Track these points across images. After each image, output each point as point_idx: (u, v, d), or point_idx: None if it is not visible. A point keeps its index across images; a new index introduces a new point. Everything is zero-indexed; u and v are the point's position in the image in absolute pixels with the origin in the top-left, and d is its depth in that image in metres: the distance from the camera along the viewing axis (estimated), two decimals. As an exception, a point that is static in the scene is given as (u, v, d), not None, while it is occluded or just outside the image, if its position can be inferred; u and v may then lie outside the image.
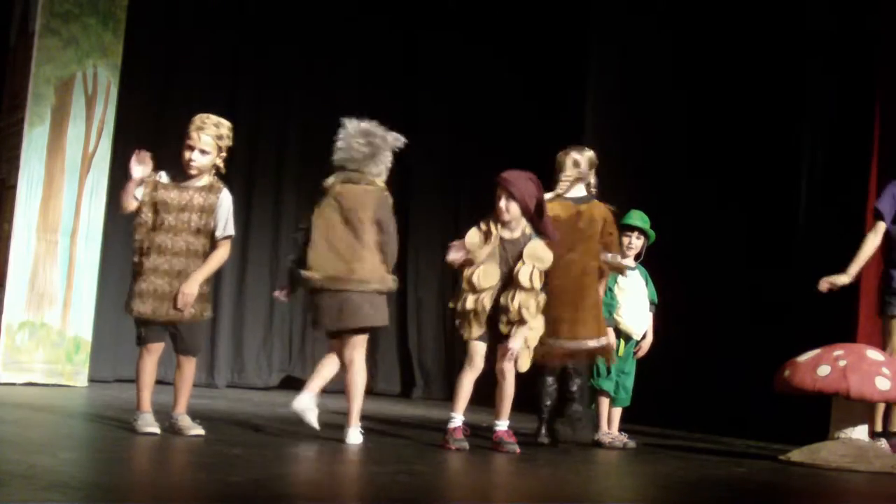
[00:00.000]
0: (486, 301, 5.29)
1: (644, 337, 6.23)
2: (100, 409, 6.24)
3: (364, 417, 5.63)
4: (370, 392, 9.87)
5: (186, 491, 3.46)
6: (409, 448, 5.27)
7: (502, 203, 5.33)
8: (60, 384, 7.68)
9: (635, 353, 6.21)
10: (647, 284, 6.28)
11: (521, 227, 5.39)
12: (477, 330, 5.31)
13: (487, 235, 5.35)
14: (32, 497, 3.03)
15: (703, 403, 7.78)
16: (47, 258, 7.76)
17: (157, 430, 4.92)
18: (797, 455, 5.65)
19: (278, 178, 9.61)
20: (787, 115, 7.95)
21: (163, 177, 5.11)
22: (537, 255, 5.33)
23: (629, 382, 6.19)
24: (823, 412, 5.84)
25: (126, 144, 8.44)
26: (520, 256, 5.31)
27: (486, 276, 5.29)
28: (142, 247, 5.01)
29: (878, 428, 6.02)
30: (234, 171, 9.34)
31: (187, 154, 5.03)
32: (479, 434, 5.61)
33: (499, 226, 5.36)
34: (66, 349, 7.81)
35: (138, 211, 5.03)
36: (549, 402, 5.91)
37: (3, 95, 8.22)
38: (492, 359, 5.36)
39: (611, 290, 6.12)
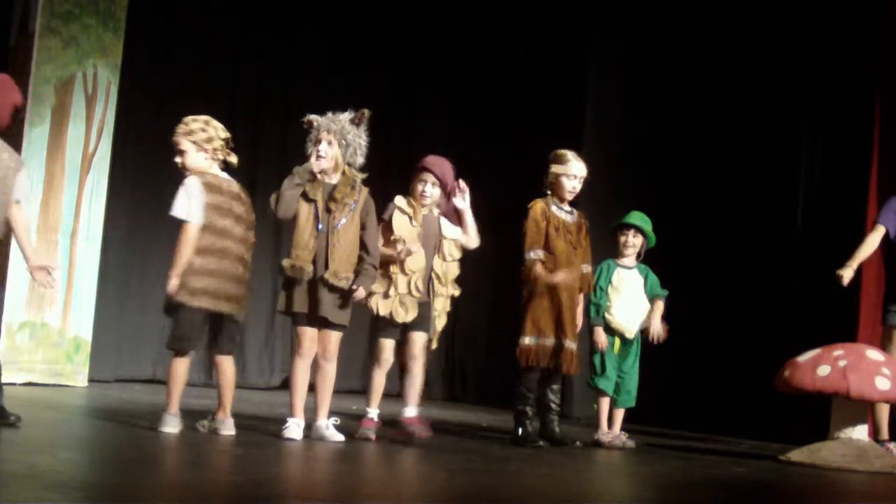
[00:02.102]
0: (420, 284, 5.54)
1: (650, 326, 6.22)
2: (100, 409, 6.24)
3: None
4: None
5: (186, 491, 3.46)
6: (408, 448, 5.26)
7: (428, 188, 5.63)
8: (60, 384, 7.68)
9: (651, 336, 6.21)
10: (646, 282, 6.28)
11: (433, 205, 5.71)
12: (412, 312, 5.52)
13: (412, 217, 5.61)
14: (32, 497, 3.03)
15: (703, 403, 7.78)
16: (47, 258, 7.75)
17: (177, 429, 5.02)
18: (797, 455, 5.65)
19: (279, 179, 9.58)
20: (787, 115, 7.94)
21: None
22: (455, 232, 5.72)
23: (631, 383, 6.19)
24: (823, 412, 5.84)
25: (126, 144, 8.47)
26: (438, 232, 5.66)
27: (415, 259, 5.53)
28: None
29: (884, 436, 6.02)
30: (235, 172, 9.35)
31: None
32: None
33: (419, 207, 5.65)
34: (66, 349, 7.80)
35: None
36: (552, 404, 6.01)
37: (4, 95, 8.21)
38: (400, 350, 5.65)
39: (602, 288, 6.16)
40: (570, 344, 5.88)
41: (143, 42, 8.54)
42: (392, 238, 5.52)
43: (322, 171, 5.31)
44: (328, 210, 5.26)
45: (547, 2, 9.70)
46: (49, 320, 7.74)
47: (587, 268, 6.03)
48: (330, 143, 5.30)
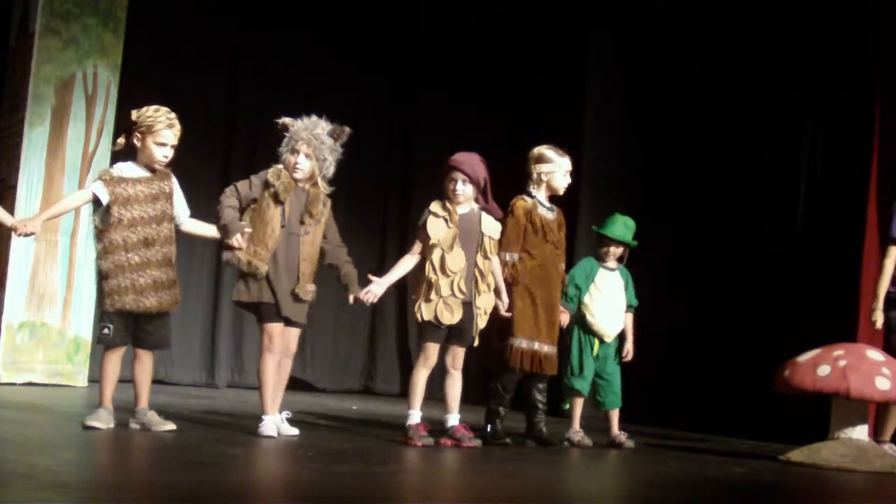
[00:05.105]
0: (462, 284, 5.44)
1: (624, 339, 6.21)
2: (100, 409, 6.22)
3: (364, 417, 5.64)
4: (370, 392, 9.94)
5: (186, 491, 3.46)
6: (408, 448, 5.26)
7: (458, 186, 5.51)
8: (60, 384, 7.68)
9: (624, 357, 6.20)
10: (626, 287, 6.25)
11: (470, 202, 5.59)
12: (458, 313, 5.42)
13: (447, 218, 5.50)
14: (32, 497, 3.03)
15: (703, 403, 7.78)
16: (47, 258, 7.76)
17: (104, 425, 4.98)
18: (797, 455, 5.64)
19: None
20: (786, 114, 7.94)
21: (124, 170, 5.16)
22: (492, 228, 5.59)
23: (616, 384, 6.16)
24: (823, 412, 5.84)
25: (126, 144, 8.47)
26: (479, 229, 5.54)
27: (454, 260, 5.44)
28: (125, 243, 5.04)
29: (886, 437, 6.01)
30: (235, 171, 9.37)
31: (162, 151, 5.15)
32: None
33: (455, 207, 5.53)
34: (66, 349, 7.81)
35: (108, 210, 5.07)
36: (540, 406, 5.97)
37: (3, 95, 8.22)
38: (440, 354, 5.56)
39: (578, 287, 6.12)
40: (552, 348, 5.85)
41: (143, 42, 8.54)
42: (430, 243, 5.45)
43: (297, 181, 5.35)
44: (301, 222, 5.31)
45: (547, 2, 9.70)
46: (49, 320, 7.75)
47: (562, 266, 5.99)
48: (308, 156, 5.34)
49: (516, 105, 9.76)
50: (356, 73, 9.77)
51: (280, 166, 5.35)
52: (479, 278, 5.52)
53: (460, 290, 5.42)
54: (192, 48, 9.17)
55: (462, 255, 5.46)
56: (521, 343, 5.75)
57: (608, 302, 6.14)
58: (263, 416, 5.23)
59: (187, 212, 5.36)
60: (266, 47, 9.56)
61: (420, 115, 10.29)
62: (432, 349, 5.49)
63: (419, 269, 5.51)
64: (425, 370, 5.50)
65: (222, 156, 9.40)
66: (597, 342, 6.13)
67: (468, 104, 10.02)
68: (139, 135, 5.15)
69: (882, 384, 5.48)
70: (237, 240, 5.13)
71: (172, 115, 5.19)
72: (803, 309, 7.36)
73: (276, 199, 5.27)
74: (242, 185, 5.28)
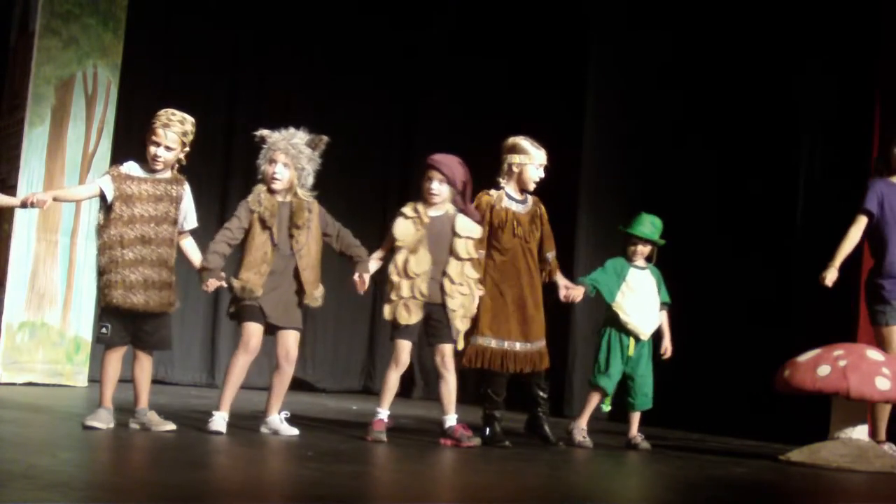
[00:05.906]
0: (423, 287, 5.43)
1: (661, 337, 6.20)
2: (100, 409, 6.22)
3: (364, 417, 5.62)
4: (370, 392, 9.94)
5: (186, 491, 3.46)
6: (408, 448, 5.27)
7: (434, 185, 5.51)
8: (60, 384, 7.68)
9: (663, 354, 6.19)
10: (659, 285, 6.24)
11: (445, 204, 5.56)
12: (416, 315, 5.43)
13: (416, 220, 5.49)
14: (32, 497, 3.03)
15: (703, 403, 7.78)
16: (47, 258, 7.76)
17: (104, 425, 4.97)
18: (797, 455, 5.65)
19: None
20: (786, 115, 7.94)
21: (132, 168, 5.16)
22: (469, 229, 5.56)
23: (647, 385, 6.13)
24: (823, 412, 5.84)
25: (126, 144, 8.47)
26: (451, 231, 5.51)
27: (418, 262, 5.43)
28: (122, 239, 5.04)
29: (882, 437, 6.01)
30: (234, 172, 9.38)
31: (153, 150, 5.13)
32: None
33: (427, 208, 5.52)
34: (66, 349, 7.81)
35: (111, 206, 5.07)
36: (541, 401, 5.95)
37: (3, 95, 8.22)
38: (431, 356, 5.62)
39: (609, 287, 6.09)
40: (536, 345, 5.78)
41: (143, 42, 8.55)
42: (396, 244, 5.46)
43: (275, 192, 5.37)
44: (290, 235, 5.33)
45: (547, 2, 9.70)
46: (49, 320, 7.74)
47: (552, 255, 5.93)
48: (286, 165, 5.35)
49: (516, 105, 9.75)
50: (356, 72, 9.76)
51: (260, 188, 5.37)
52: (449, 281, 5.49)
53: (420, 293, 5.43)
54: (192, 48, 9.17)
55: (427, 257, 5.44)
56: (489, 342, 5.69)
57: (642, 300, 6.12)
58: (214, 412, 5.24)
59: (192, 224, 5.31)
60: (266, 47, 9.56)
61: (420, 115, 10.29)
62: (401, 346, 5.50)
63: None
64: (396, 369, 5.53)
65: (222, 156, 9.40)
66: (632, 341, 6.10)
67: (468, 104, 10.01)
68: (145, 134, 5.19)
69: (882, 384, 5.48)
70: (206, 286, 5.22)
71: (176, 116, 5.15)
72: (803, 309, 7.35)
73: (264, 224, 5.29)
74: (232, 223, 5.32)
